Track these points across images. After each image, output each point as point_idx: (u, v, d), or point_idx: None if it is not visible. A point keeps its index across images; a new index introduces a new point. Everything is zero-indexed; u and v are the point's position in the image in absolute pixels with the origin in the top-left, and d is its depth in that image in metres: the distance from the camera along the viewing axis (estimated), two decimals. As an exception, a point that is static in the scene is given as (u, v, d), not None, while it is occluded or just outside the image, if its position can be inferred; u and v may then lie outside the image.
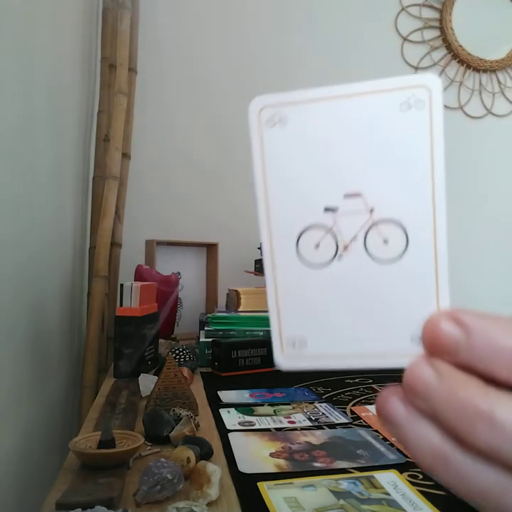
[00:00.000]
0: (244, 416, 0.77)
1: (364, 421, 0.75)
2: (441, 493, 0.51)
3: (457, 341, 0.21)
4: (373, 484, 0.53)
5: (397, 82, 0.24)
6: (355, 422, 0.74)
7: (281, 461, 0.60)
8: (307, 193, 0.25)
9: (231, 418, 0.76)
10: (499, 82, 1.93)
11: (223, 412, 0.79)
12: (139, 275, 1.24)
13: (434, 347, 0.22)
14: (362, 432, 0.70)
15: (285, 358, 0.26)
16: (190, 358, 1.01)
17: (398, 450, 0.63)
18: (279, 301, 0.26)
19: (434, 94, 0.24)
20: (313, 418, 0.76)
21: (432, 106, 0.24)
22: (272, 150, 0.25)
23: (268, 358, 1.07)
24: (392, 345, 0.24)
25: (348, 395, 0.90)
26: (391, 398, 0.23)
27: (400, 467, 0.57)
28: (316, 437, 0.68)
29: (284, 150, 0.25)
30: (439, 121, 0.24)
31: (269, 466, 0.58)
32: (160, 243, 1.43)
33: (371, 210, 0.25)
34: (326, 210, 0.25)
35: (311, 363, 0.26)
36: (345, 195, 0.25)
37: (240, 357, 1.06)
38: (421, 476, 0.55)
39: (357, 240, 0.25)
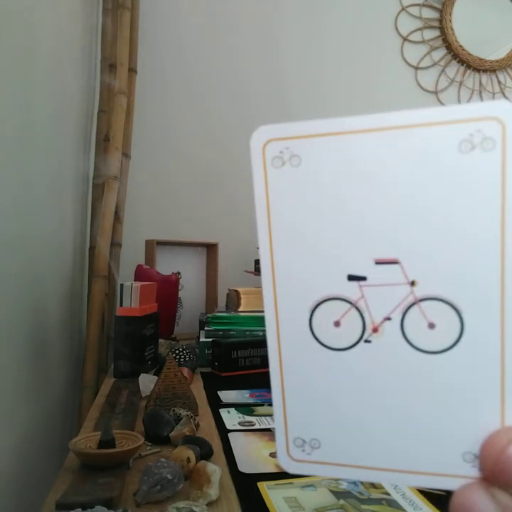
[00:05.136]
0: (244, 416, 0.77)
1: (364, 421, 0.75)
2: (441, 493, 0.51)
3: None
4: (373, 484, 0.53)
5: (456, 112, 0.17)
6: (355, 422, 0.74)
7: (281, 461, 0.60)
8: (326, 254, 0.19)
9: (231, 418, 0.76)
10: (499, 82, 1.93)
11: (223, 412, 0.79)
12: (139, 275, 1.24)
13: (498, 476, 0.17)
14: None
15: (291, 461, 0.20)
16: (190, 358, 1.01)
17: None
18: (285, 389, 0.21)
19: (510, 130, 0.17)
20: (313, 418, 0.76)
21: (505, 146, 0.17)
22: (280, 196, 0.19)
23: (268, 357, 1.07)
24: (436, 461, 0.19)
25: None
26: None
27: (400, 467, 0.57)
28: (316, 437, 0.68)
29: (296, 197, 0.19)
30: None
31: (269, 466, 0.58)
32: (160, 243, 1.43)
33: (412, 284, 0.19)
34: (351, 278, 0.19)
35: (325, 470, 0.20)
36: (376, 261, 0.19)
37: (240, 357, 1.06)
38: (421, 476, 0.55)
39: (392, 321, 0.19)
